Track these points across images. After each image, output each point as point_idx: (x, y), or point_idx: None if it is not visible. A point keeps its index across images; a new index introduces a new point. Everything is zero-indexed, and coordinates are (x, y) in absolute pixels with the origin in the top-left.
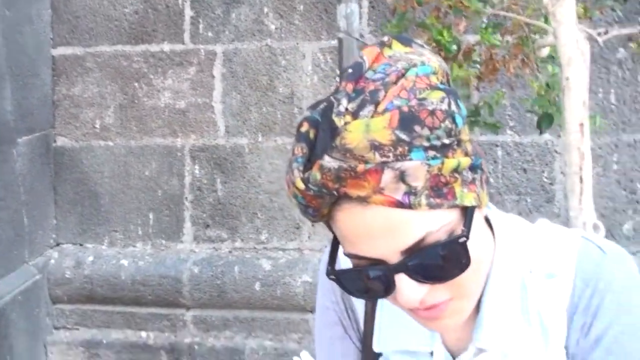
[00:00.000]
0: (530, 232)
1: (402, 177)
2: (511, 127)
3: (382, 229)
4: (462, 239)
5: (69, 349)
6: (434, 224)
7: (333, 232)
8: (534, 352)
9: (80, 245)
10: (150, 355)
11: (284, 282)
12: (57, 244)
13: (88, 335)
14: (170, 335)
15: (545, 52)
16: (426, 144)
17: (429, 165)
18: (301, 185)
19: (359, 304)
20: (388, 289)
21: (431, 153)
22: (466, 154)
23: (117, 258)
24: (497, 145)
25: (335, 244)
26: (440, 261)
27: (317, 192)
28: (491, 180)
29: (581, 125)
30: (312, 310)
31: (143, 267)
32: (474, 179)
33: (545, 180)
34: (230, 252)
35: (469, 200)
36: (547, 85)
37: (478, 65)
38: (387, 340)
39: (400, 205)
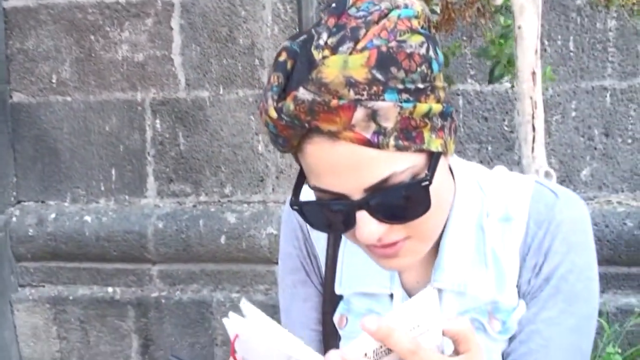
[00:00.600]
0: (487, 178)
1: (373, 116)
2: (472, 75)
3: (348, 165)
4: (425, 183)
5: (36, 306)
6: (399, 165)
7: (300, 164)
8: (489, 291)
9: (42, 202)
10: (118, 310)
11: (249, 234)
12: (18, 202)
13: (54, 292)
14: (137, 290)
15: (499, 1)
16: (400, 86)
17: (401, 107)
18: (274, 114)
19: (321, 250)
20: (348, 224)
21: (404, 96)
22: (438, 101)
23: (80, 214)
24: (458, 94)
25: (301, 176)
26: (401, 202)
27: (289, 122)
28: None
29: (533, 73)
30: (277, 262)
31: (107, 223)
32: (443, 126)
33: (505, 128)
34: (194, 206)
35: (435, 146)
36: (501, 35)
37: (436, 15)
38: (348, 283)
39: (368, 143)
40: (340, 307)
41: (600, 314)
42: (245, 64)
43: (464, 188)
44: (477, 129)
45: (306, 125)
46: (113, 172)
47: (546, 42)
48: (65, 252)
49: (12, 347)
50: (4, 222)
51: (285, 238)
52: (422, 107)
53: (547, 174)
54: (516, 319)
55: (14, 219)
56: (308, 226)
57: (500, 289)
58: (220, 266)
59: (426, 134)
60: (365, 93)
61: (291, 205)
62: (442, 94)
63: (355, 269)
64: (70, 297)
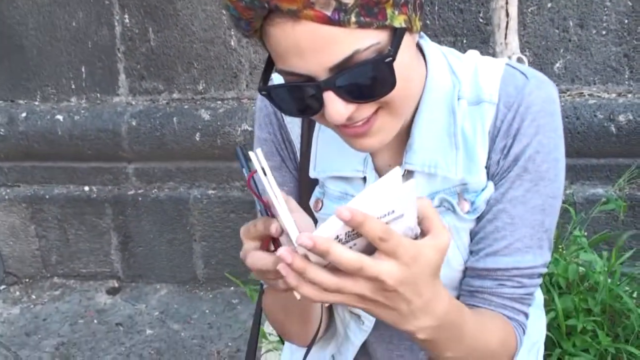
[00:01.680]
0: (459, 62)
1: None
2: None
3: (311, 45)
4: (388, 59)
5: (12, 206)
6: (362, 42)
7: (267, 49)
8: (458, 172)
9: (12, 101)
10: (95, 209)
11: (223, 131)
12: None
13: (30, 191)
14: (113, 189)
15: None
16: None
17: None
18: None
19: (296, 136)
20: (316, 106)
21: None
22: None
23: (52, 113)
24: (420, 19)
25: (269, 63)
26: (366, 80)
27: (248, 3)
28: (428, 22)
29: None
30: None
31: (80, 122)
32: (406, 2)
33: (481, 20)
34: (167, 103)
35: (399, 22)
36: None
37: None
38: (322, 167)
39: (329, 21)
40: (316, 191)
41: (570, 202)
42: None
43: (435, 71)
44: (452, 21)
45: (265, 5)
46: (83, 69)
47: None
48: (38, 152)
49: None
50: None
51: (260, 125)
52: None
53: (519, 60)
54: (484, 200)
55: None
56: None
57: (469, 170)
58: (195, 163)
59: (389, 9)
60: None
61: (259, 90)
62: None
63: (329, 153)
64: (47, 196)
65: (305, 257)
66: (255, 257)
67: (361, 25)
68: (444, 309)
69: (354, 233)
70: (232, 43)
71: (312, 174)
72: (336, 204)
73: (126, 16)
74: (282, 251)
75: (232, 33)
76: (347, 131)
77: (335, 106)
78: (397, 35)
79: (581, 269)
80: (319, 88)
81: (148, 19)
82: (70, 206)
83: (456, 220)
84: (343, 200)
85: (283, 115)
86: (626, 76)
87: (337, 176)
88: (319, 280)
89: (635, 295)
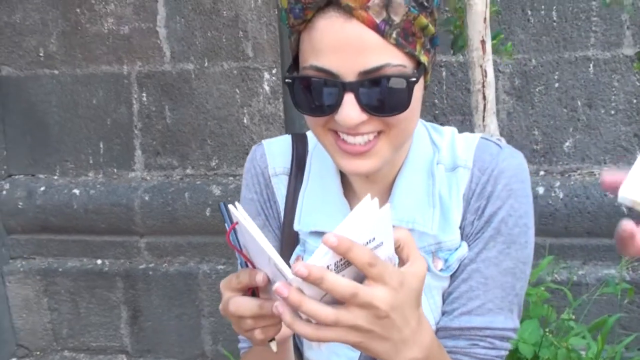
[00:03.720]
0: (438, 134)
1: (387, 4)
2: None
3: (352, 44)
4: (413, 79)
5: (27, 278)
6: (394, 59)
7: (296, 50)
8: (434, 228)
9: (32, 175)
10: (107, 282)
11: None
12: (9, 175)
13: (44, 264)
14: (125, 262)
15: None
16: None
17: (409, 10)
18: None
19: (281, 197)
20: (332, 106)
21: (413, 3)
22: (434, 26)
23: (69, 187)
24: (441, 66)
25: (295, 62)
26: (387, 94)
27: None
28: (436, 101)
29: (482, 42)
30: None
31: (95, 196)
32: (429, 50)
33: None
34: (181, 179)
35: (424, 59)
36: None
37: None
38: (306, 222)
39: (376, 28)
40: (297, 249)
41: (582, 283)
42: (229, 36)
43: (418, 139)
44: (460, 100)
45: None
46: (101, 145)
47: (529, 12)
48: (54, 225)
49: (5, 319)
50: None
51: (247, 185)
52: (422, 21)
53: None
54: (457, 258)
55: (4, 192)
56: (269, 172)
57: (444, 229)
58: (206, 238)
59: (418, 45)
60: None
61: (284, 79)
62: (435, 26)
63: (313, 209)
64: (60, 269)
65: (300, 291)
66: (239, 302)
67: (398, 44)
68: (430, 339)
69: (342, 264)
70: (245, 120)
71: (296, 227)
72: None
73: (144, 94)
74: (278, 285)
75: (245, 111)
76: (347, 148)
77: (351, 110)
78: (420, 69)
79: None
80: (343, 87)
81: (164, 97)
82: (82, 279)
83: (430, 278)
84: None
85: (270, 175)
86: (637, 155)
87: (318, 232)
88: (315, 312)
89: None
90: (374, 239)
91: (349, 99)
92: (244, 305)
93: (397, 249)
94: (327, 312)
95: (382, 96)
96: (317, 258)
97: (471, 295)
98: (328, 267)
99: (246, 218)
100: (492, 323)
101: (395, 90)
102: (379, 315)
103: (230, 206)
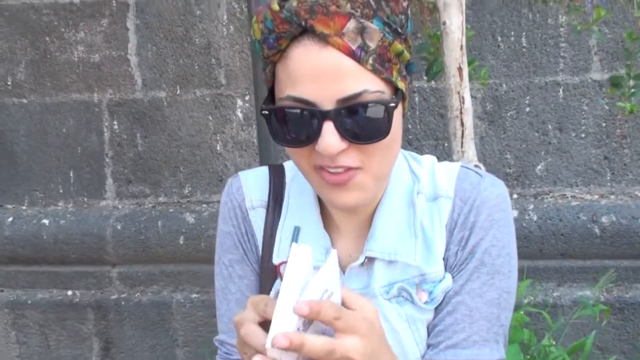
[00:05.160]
0: (417, 163)
1: (362, 31)
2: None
3: (329, 73)
4: (392, 104)
5: None
6: (372, 85)
7: (272, 81)
8: (417, 260)
9: (0, 206)
10: (77, 313)
11: (207, 234)
12: None
13: (13, 296)
14: (96, 293)
15: None
16: (386, 19)
17: (384, 36)
18: (276, 7)
19: (259, 229)
20: (312, 135)
21: (387, 29)
22: (409, 53)
23: (38, 218)
24: (414, 91)
25: (271, 94)
26: (366, 120)
27: (288, 17)
28: (410, 126)
29: (459, 69)
30: None
31: (65, 226)
32: (405, 77)
33: None
34: (153, 207)
35: (401, 85)
36: (437, 32)
37: None
38: (285, 255)
39: (352, 54)
40: (276, 284)
41: (558, 305)
42: (201, 63)
43: (398, 169)
44: (433, 125)
45: (303, 23)
46: (71, 174)
47: (499, 38)
48: (23, 256)
49: None
50: None
51: (224, 218)
52: (398, 47)
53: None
54: (442, 290)
55: None
56: (247, 205)
57: (427, 261)
58: (179, 267)
59: (394, 72)
60: (359, 10)
61: (261, 111)
62: (409, 53)
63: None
64: (29, 302)
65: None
66: (250, 330)
67: (374, 70)
68: None
69: (307, 321)
70: (218, 147)
71: (275, 260)
72: None
73: (115, 122)
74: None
75: (218, 138)
76: (329, 178)
77: (331, 138)
78: (398, 95)
79: None
80: (321, 116)
81: (136, 125)
82: (52, 311)
83: (414, 310)
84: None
85: (247, 208)
86: (608, 178)
87: None
88: None
89: None
90: (326, 290)
91: (328, 127)
92: (253, 335)
93: (343, 302)
94: None
95: (362, 123)
96: (286, 323)
97: (456, 329)
98: (298, 329)
99: (298, 265)
100: (478, 356)
101: (375, 116)
102: None
103: (294, 245)
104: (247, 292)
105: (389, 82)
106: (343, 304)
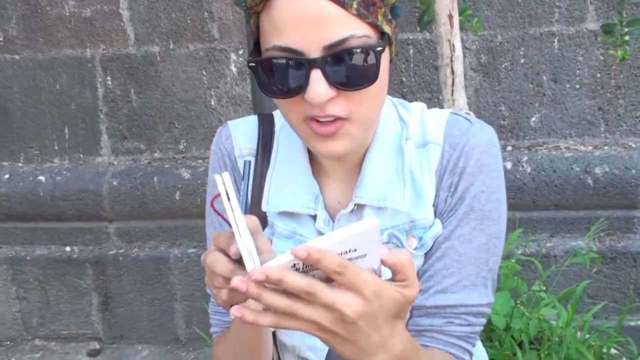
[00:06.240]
0: (406, 110)
1: None
2: None
3: (313, 19)
4: (379, 48)
5: None
6: (358, 30)
7: (257, 32)
8: (407, 206)
9: None
10: (76, 269)
11: (203, 189)
12: None
13: (11, 252)
14: (94, 249)
15: None
16: None
17: None
18: None
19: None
20: (299, 85)
21: None
22: None
23: (34, 174)
24: (408, 44)
25: (256, 46)
26: (353, 66)
27: None
28: (404, 79)
29: (450, 16)
30: None
31: (61, 182)
32: (390, 21)
33: None
34: (149, 163)
35: (387, 29)
36: None
37: None
38: (274, 202)
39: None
40: (265, 231)
41: (551, 255)
42: (194, 17)
43: (386, 116)
44: (428, 78)
45: None
46: (66, 130)
47: None
48: (20, 213)
49: None
50: None
51: (214, 167)
52: None
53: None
54: (431, 236)
55: None
56: (235, 153)
57: (417, 207)
58: (176, 222)
59: (380, 15)
60: None
61: (248, 63)
62: None
63: (281, 190)
64: (28, 258)
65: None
66: (216, 258)
67: (359, 14)
68: (401, 347)
69: (310, 266)
70: (213, 103)
71: (264, 207)
72: (285, 242)
73: (108, 78)
74: (235, 281)
75: (212, 93)
76: (318, 129)
77: (319, 86)
78: (384, 39)
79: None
80: (309, 64)
81: (130, 81)
82: (51, 267)
83: None
84: (291, 239)
85: (236, 157)
86: (602, 129)
87: (287, 212)
88: (273, 303)
89: (605, 349)
90: (355, 249)
91: (316, 75)
92: (219, 262)
93: (394, 272)
94: (284, 304)
95: (350, 69)
96: (283, 257)
97: (446, 273)
98: (295, 265)
99: (230, 191)
100: (467, 300)
101: (362, 62)
102: (344, 320)
103: (216, 176)
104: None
105: (374, 26)
106: (395, 275)
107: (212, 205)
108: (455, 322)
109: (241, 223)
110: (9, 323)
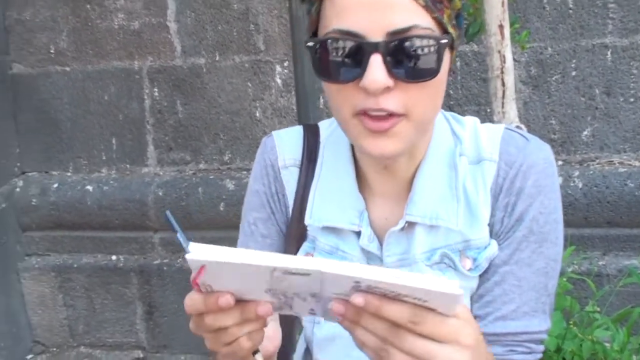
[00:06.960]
0: (460, 125)
1: None
2: None
3: (380, 3)
4: (444, 41)
5: (42, 275)
6: (423, 21)
7: (317, 22)
8: (460, 225)
9: (46, 172)
10: (121, 278)
11: None
12: (22, 173)
13: (59, 260)
14: (139, 258)
15: None
16: None
17: None
18: None
19: (290, 191)
20: (358, 69)
21: None
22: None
23: (82, 184)
24: (456, 56)
25: (314, 31)
26: (415, 57)
27: None
28: (451, 91)
29: (500, 27)
30: None
31: (108, 192)
32: (454, 25)
33: None
34: (194, 173)
35: (451, 31)
36: None
37: None
38: (318, 216)
39: None
40: (305, 246)
41: (603, 274)
42: (240, 29)
43: (439, 130)
44: (475, 90)
45: None
46: (113, 141)
47: (545, 0)
48: (68, 221)
49: (21, 315)
50: (9, 193)
51: (256, 176)
52: None
53: (518, 128)
54: (487, 258)
55: (18, 189)
56: (279, 164)
57: (471, 226)
58: (219, 233)
59: (446, 16)
60: None
61: (306, 43)
62: (460, 2)
63: (326, 204)
64: (75, 265)
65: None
66: (190, 298)
67: (427, 6)
68: None
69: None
70: (257, 114)
71: (307, 221)
72: (326, 258)
73: (155, 90)
74: (355, 296)
75: (257, 104)
76: (370, 124)
77: (377, 72)
78: (448, 37)
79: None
80: (369, 48)
81: (176, 92)
82: (97, 275)
83: (457, 277)
84: (333, 254)
85: (280, 167)
86: None
87: (330, 227)
88: (392, 317)
89: None
90: (425, 301)
91: (376, 60)
92: (224, 314)
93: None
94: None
95: (412, 59)
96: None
97: (505, 299)
98: (357, 282)
99: (213, 252)
100: (528, 327)
101: (425, 53)
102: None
103: (191, 247)
104: (268, 251)
105: (439, 23)
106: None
107: (195, 284)
108: (518, 350)
109: (266, 255)
110: (55, 330)
